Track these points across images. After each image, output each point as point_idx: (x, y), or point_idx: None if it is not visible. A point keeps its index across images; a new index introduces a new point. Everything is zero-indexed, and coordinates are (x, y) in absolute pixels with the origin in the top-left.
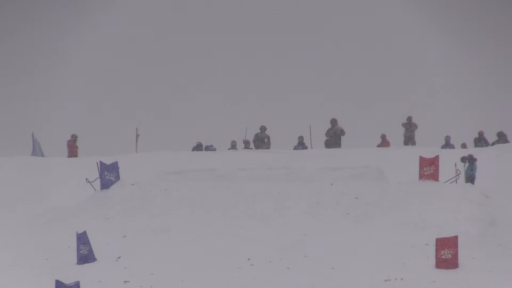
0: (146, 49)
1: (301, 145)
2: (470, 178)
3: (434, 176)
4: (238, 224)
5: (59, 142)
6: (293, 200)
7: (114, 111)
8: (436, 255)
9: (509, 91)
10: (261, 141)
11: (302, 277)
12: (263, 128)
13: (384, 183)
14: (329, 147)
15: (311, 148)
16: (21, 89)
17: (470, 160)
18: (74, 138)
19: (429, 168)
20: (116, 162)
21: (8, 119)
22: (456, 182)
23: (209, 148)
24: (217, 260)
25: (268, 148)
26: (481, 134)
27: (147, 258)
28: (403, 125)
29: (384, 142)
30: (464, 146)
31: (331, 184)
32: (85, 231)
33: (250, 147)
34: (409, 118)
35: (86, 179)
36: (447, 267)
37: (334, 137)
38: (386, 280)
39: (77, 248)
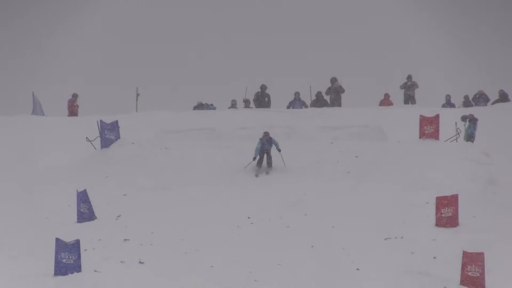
0: (146, 8)
1: (297, 100)
2: (470, 137)
3: (434, 135)
4: (238, 183)
5: (60, 101)
6: (293, 158)
7: (114, 70)
8: (436, 213)
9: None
10: (261, 100)
11: (302, 236)
12: (263, 87)
13: (384, 142)
14: (316, 106)
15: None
16: (22, 48)
17: (471, 120)
18: (74, 97)
19: (429, 127)
20: (116, 121)
21: (8, 78)
22: (457, 141)
23: (209, 107)
24: (217, 218)
25: (268, 107)
26: (481, 94)
27: (147, 217)
28: (403, 85)
29: (386, 101)
30: (466, 98)
31: (331, 143)
32: (85, 190)
33: (250, 106)
34: (409, 77)
35: (87, 138)
36: (447, 226)
37: (334, 95)
38: (386, 239)
39: (77, 206)
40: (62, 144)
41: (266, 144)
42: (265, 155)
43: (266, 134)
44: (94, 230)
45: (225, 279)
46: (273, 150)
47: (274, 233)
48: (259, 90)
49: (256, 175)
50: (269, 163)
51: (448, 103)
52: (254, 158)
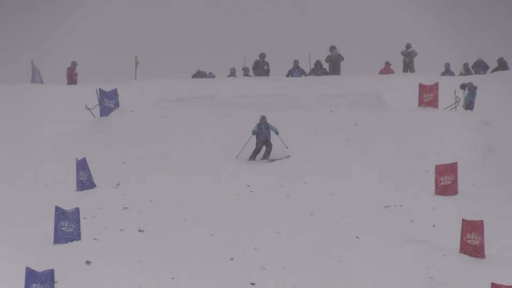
0: None
1: (297, 68)
2: (470, 105)
3: (434, 103)
4: (237, 151)
5: (59, 69)
6: (292, 127)
7: (113, 38)
8: (436, 181)
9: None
10: (260, 68)
11: (301, 204)
12: (262, 55)
13: (383, 111)
14: (315, 74)
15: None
16: (21, 16)
17: (470, 88)
18: (73, 65)
19: (428, 95)
20: (116, 89)
21: (8, 46)
22: (456, 109)
23: (208, 75)
24: (216, 186)
25: (267, 75)
26: (480, 62)
27: (146, 185)
28: (403, 51)
29: (386, 69)
30: (466, 66)
31: (331, 111)
32: (84, 158)
33: (249, 74)
34: (408, 45)
35: (86, 106)
36: (446, 194)
37: (333, 63)
38: (385, 207)
39: (77, 175)
40: (61, 112)
41: (263, 130)
42: (264, 147)
43: (263, 118)
44: (93, 199)
45: (224, 247)
46: (273, 137)
47: (273, 201)
48: (258, 58)
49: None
50: (266, 154)
51: (448, 71)
52: (254, 132)
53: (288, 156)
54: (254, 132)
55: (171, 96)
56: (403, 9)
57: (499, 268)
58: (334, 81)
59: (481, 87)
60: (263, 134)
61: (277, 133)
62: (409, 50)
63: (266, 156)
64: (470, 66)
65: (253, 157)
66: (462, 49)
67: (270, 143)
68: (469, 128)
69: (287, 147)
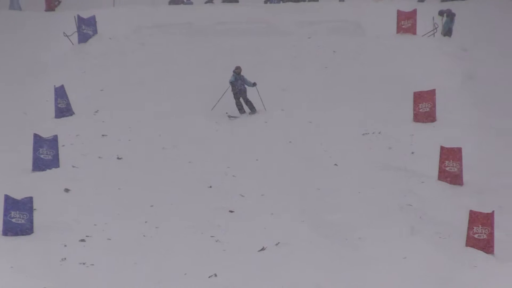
0: None
1: None
2: (448, 32)
3: (412, 30)
4: (215, 77)
5: None
6: (271, 54)
7: None
8: (414, 109)
9: None
10: None
11: (280, 131)
12: None
13: (361, 37)
14: (293, 1)
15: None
16: None
17: (448, 14)
18: None
19: (406, 22)
20: (94, 16)
21: None
22: (434, 35)
23: (186, 1)
24: (195, 113)
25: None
26: None
27: (125, 112)
28: None
29: None
30: None
31: (309, 37)
32: (62, 85)
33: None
34: None
35: (64, 32)
36: (424, 121)
37: None
38: (363, 134)
39: (55, 101)
40: (39, 39)
41: (238, 80)
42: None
43: (237, 68)
44: (72, 126)
45: (203, 174)
46: (249, 91)
47: (252, 129)
48: None
49: (229, 117)
50: (251, 108)
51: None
52: (231, 82)
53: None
54: (231, 82)
55: (149, 23)
56: None
57: (477, 196)
58: (312, 8)
59: (459, 13)
60: (238, 85)
61: (253, 85)
62: None
63: (252, 109)
64: None
65: (242, 110)
66: None
67: (247, 99)
68: (447, 55)
69: (265, 109)
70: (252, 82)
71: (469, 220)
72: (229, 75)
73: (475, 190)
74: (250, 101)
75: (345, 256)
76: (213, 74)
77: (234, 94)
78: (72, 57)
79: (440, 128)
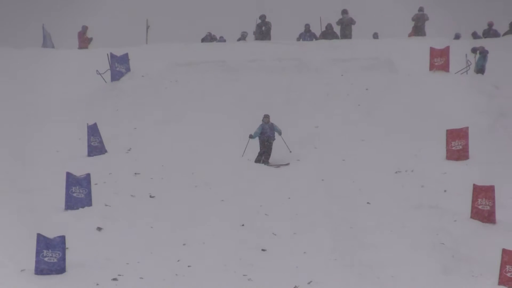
0: None
1: (308, 32)
2: (481, 69)
3: (445, 67)
4: (249, 115)
5: (70, 34)
6: (303, 91)
7: (124, 2)
8: (447, 146)
9: None
10: (259, 30)
11: (312, 169)
12: (262, 17)
13: (394, 74)
14: (326, 38)
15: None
16: None
17: (481, 52)
18: (84, 29)
19: (439, 59)
20: (127, 54)
21: (19, 10)
22: (467, 73)
23: (219, 39)
24: (228, 151)
25: (268, 37)
26: (490, 25)
27: (158, 150)
28: (414, 16)
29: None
30: (475, 34)
31: (342, 75)
32: (95, 123)
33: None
34: (421, 8)
35: (97, 70)
36: (457, 159)
37: (344, 27)
38: (396, 172)
39: (88, 140)
40: (72, 77)
41: (267, 129)
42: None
43: (266, 116)
44: (104, 164)
45: (235, 212)
46: (275, 141)
47: (284, 167)
48: (259, 21)
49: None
50: (265, 159)
51: (458, 39)
52: (251, 136)
53: (288, 164)
54: (252, 136)
55: (182, 60)
56: None
57: (510, 234)
58: (345, 45)
59: (492, 51)
60: (266, 134)
61: (280, 133)
62: (420, 13)
63: (265, 161)
64: (479, 34)
65: (259, 160)
66: (472, 16)
67: (271, 146)
68: (480, 93)
69: (290, 151)
70: (279, 129)
71: (502, 259)
72: (261, 114)
73: (508, 228)
74: (270, 150)
75: None
76: (246, 111)
77: (260, 142)
78: (104, 95)
79: (473, 166)
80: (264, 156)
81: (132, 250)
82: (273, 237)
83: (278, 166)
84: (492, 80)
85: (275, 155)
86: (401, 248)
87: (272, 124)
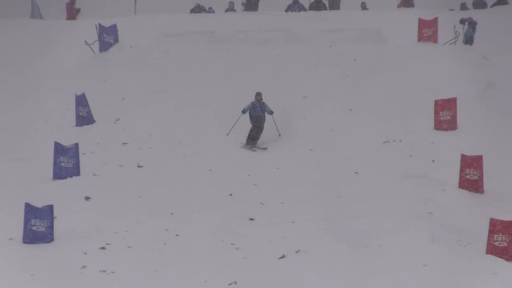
0: None
1: (296, 4)
2: (469, 40)
3: (433, 38)
4: (237, 86)
5: (58, 5)
6: (291, 62)
7: None
8: (435, 116)
9: None
10: (249, 1)
11: (301, 139)
12: None
13: (382, 45)
14: (314, 9)
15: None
16: None
17: (470, 22)
18: (72, 1)
19: (428, 30)
20: (115, 25)
21: None
22: (455, 44)
23: (207, 10)
24: (216, 120)
25: (256, 8)
26: None
27: (146, 120)
28: None
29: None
30: (463, 6)
31: (330, 46)
32: (83, 93)
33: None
34: None
35: (85, 41)
36: (445, 129)
37: None
38: (384, 142)
39: (76, 110)
40: (60, 48)
41: (257, 108)
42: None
43: (258, 94)
44: (92, 134)
45: (223, 182)
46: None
47: (272, 137)
48: None
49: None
50: (254, 141)
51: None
52: (244, 111)
53: (266, 148)
54: (244, 111)
55: (170, 31)
56: None
57: (497, 203)
58: (333, 16)
59: (481, 22)
60: (257, 112)
61: (270, 113)
62: None
63: (252, 144)
64: (467, 5)
65: (249, 143)
66: None
67: (262, 127)
68: (468, 63)
69: (279, 135)
70: (271, 110)
71: (490, 228)
72: (248, 84)
73: (495, 198)
74: (260, 133)
75: (365, 263)
76: (235, 83)
77: (251, 122)
78: (93, 65)
79: (461, 136)
80: (252, 140)
81: (120, 219)
82: (261, 207)
83: (265, 148)
84: (480, 51)
85: (263, 137)
86: (389, 218)
87: (263, 103)
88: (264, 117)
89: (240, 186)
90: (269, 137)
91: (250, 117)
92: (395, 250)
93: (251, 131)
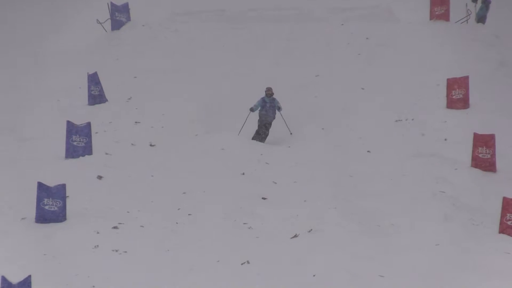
0: None
1: None
2: (481, 19)
3: (445, 16)
4: (248, 64)
5: None
6: (303, 40)
7: None
8: (447, 95)
9: None
10: None
11: (313, 118)
12: None
13: (394, 23)
14: None
15: None
16: None
17: (483, 1)
18: None
19: (440, 8)
20: (127, 3)
21: None
22: (467, 22)
23: None
24: (229, 98)
25: None
26: None
27: (158, 99)
28: None
29: None
30: None
31: (342, 24)
32: (96, 72)
33: None
34: None
35: (97, 20)
36: (458, 107)
37: None
38: (397, 121)
39: (88, 88)
40: (72, 26)
41: (267, 104)
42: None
43: (269, 89)
44: (105, 113)
45: (236, 161)
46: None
47: (284, 114)
48: None
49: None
50: (263, 139)
51: None
52: (251, 110)
53: (289, 147)
54: (253, 110)
55: (182, 10)
56: None
57: (510, 182)
58: None
59: (494, 0)
60: (266, 108)
61: (279, 109)
62: None
63: (261, 141)
64: None
65: (256, 139)
66: None
67: (269, 125)
68: (480, 42)
69: (291, 133)
70: (279, 106)
71: (502, 207)
72: (260, 63)
73: (508, 177)
74: (267, 131)
75: (377, 242)
76: (246, 60)
77: (259, 120)
78: (105, 44)
79: (473, 115)
80: (261, 138)
81: (132, 198)
82: (274, 186)
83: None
84: (492, 30)
85: (271, 137)
86: (401, 197)
87: (274, 98)
88: (274, 117)
89: (252, 165)
90: (279, 136)
91: (259, 115)
92: (407, 229)
93: (257, 131)
